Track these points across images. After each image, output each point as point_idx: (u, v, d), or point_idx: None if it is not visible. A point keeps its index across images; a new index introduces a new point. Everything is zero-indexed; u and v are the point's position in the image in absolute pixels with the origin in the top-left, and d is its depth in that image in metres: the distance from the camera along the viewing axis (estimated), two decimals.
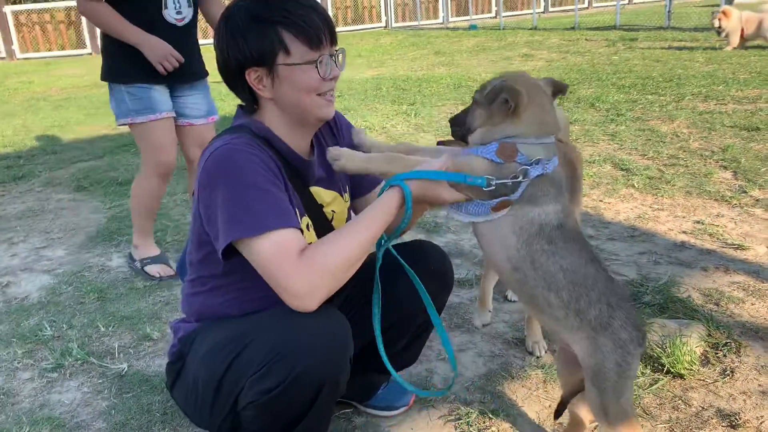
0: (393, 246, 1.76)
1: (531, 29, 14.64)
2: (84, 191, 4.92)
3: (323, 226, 1.72)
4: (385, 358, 1.67)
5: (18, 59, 17.39)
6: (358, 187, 1.90)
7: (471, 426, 1.98)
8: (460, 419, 2.01)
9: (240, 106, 1.70)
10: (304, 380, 1.45)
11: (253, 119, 1.65)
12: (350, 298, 1.85)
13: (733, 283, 2.74)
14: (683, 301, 2.58)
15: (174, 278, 3.14)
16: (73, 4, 16.97)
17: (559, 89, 1.63)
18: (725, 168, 4.20)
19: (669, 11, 12.56)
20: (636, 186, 4.01)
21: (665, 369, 2.15)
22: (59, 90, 11.15)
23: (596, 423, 1.79)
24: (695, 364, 2.17)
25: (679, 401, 2.03)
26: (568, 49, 10.77)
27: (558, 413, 1.81)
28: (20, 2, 19.44)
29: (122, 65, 2.95)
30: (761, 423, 1.91)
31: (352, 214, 1.91)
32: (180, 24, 2.99)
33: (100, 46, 3.08)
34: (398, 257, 1.72)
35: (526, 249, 1.49)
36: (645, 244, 3.20)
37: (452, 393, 2.15)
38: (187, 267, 1.77)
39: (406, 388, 1.75)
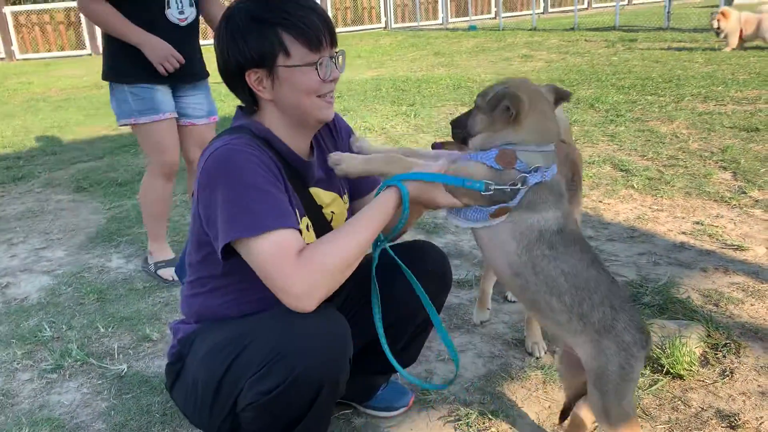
0: (392, 246, 1.76)
1: (530, 30, 14.65)
2: (83, 192, 4.92)
3: (323, 227, 1.72)
4: (389, 353, 1.67)
5: (17, 60, 17.39)
6: (357, 189, 1.90)
7: (470, 427, 1.98)
8: (459, 420, 2.01)
9: (239, 107, 1.70)
10: (303, 381, 1.45)
11: (253, 120, 1.65)
12: (349, 299, 1.85)
13: (733, 283, 2.74)
14: (683, 301, 2.58)
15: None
16: (73, 4, 17.04)
17: (561, 96, 1.62)
18: (725, 169, 4.21)
19: (668, 12, 12.57)
20: (635, 187, 4.01)
21: (665, 370, 2.15)
22: (59, 91, 11.15)
23: (597, 424, 1.79)
24: (695, 364, 2.17)
25: (679, 402, 2.03)
26: (567, 50, 10.78)
27: (563, 416, 1.81)
28: (20, 3, 19.44)
29: (125, 65, 2.95)
30: (761, 424, 1.91)
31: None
32: (182, 24, 2.99)
33: (101, 47, 3.07)
34: (394, 257, 1.72)
35: (527, 255, 1.50)
36: (644, 245, 3.20)
37: (452, 394, 2.15)
38: (187, 268, 1.77)
39: (411, 381, 1.75)
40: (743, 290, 2.68)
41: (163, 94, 3.01)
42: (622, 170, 4.33)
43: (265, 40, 1.52)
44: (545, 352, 2.34)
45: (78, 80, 12.28)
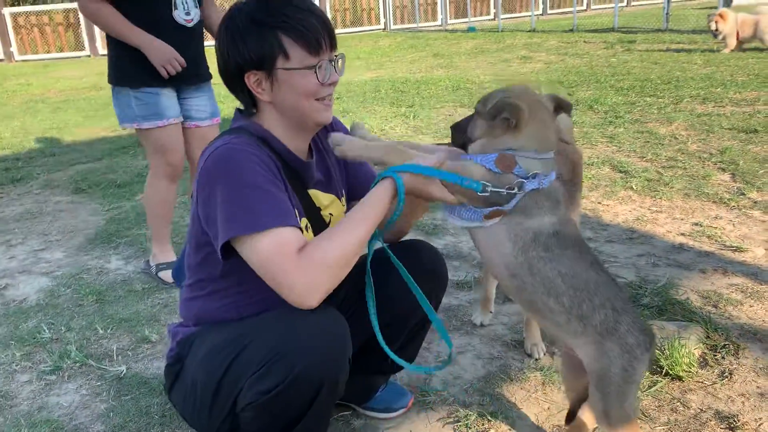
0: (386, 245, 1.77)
1: (529, 31, 14.66)
2: (82, 193, 4.92)
3: (321, 228, 1.72)
4: (383, 343, 1.66)
5: (16, 61, 17.39)
6: (356, 191, 1.90)
7: (470, 428, 1.98)
8: (458, 421, 2.01)
9: (238, 109, 1.70)
10: (303, 380, 1.45)
11: (252, 121, 1.65)
12: (347, 298, 1.85)
13: (732, 285, 2.74)
14: (682, 303, 2.58)
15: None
16: (72, 6, 16.99)
17: (561, 106, 1.63)
18: (723, 170, 4.21)
19: (667, 13, 12.59)
20: (634, 188, 4.01)
21: (664, 371, 2.15)
22: (58, 92, 11.15)
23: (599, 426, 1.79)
24: (694, 366, 2.17)
25: (678, 403, 2.03)
26: (566, 51, 10.79)
27: (569, 419, 1.81)
28: (19, 4, 19.44)
29: (129, 68, 2.93)
30: (760, 425, 1.91)
31: None
32: (189, 25, 2.99)
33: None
34: (387, 250, 1.72)
35: (523, 256, 1.50)
36: (643, 246, 3.20)
37: (451, 395, 2.15)
38: (185, 271, 1.77)
39: (406, 368, 1.73)
40: (742, 291, 2.68)
41: (167, 98, 3.00)
42: (621, 171, 4.34)
43: (264, 43, 1.53)
44: (544, 354, 2.34)
45: (77, 81, 12.28)
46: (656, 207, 3.71)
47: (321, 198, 1.75)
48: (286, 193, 1.55)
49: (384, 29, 19.47)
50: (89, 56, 17.77)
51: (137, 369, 2.44)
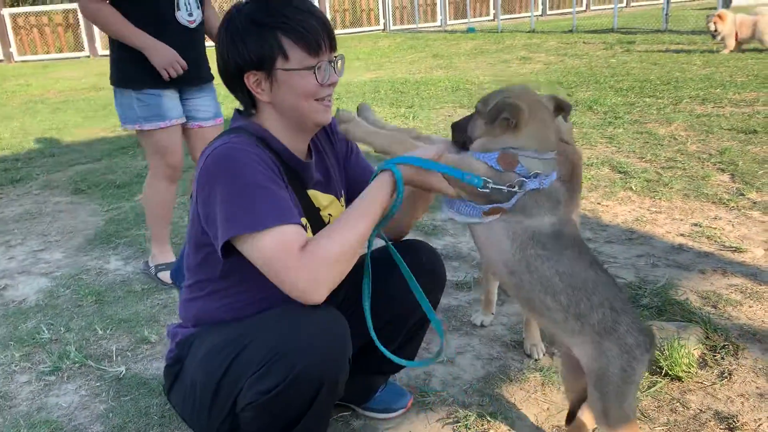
0: (384, 245, 1.76)
1: (529, 32, 14.67)
2: (82, 194, 4.92)
3: (320, 229, 1.72)
4: (373, 334, 1.66)
5: (16, 62, 17.39)
6: (355, 192, 1.90)
7: (469, 429, 1.98)
8: (458, 422, 2.01)
9: (237, 110, 1.71)
10: (303, 379, 1.45)
11: (251, 122, 1.65)
12: (348, 298, 1.84)
13: (731, 285, 2.75)
14: (681, 303, 2.58)
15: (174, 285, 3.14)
16: (71, 6, 16.98)
17: (561, 107, 1.63)
18: (723, 171, 4.21)
19: (666, 14, 12.59)
20: (634, 189, 4.01)
21: (663, 371, 2.15)
22: (57, 93, 11.15)
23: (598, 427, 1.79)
24: (693, 366, 2.17)
25: (677, 404, 2.03)
26: (566, 52, 10.79)
27: (570, 419, 1.81)
28: (18, 5, 19.44)
29: (131, 70, 2.92)
30: (759, 425, 1.91)
31: None
32: (191, 26, 2.99)
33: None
34: (390, 245, 1.72)
35: (521, 254, 1.50)
36: (643, 247, 3.20)
37: (450, 396, 2.15)
38: (185, 272, 1.77)
39: (398, 362, 1.72)
40: (741, 292, 2.68)
41: (170, 99, 3.00)
42: (620, 172, 4.34)
43: (264, 43, 1.53)
44: (544, 354, 2.34)
45: (76, 82, 12.29)
46: (655, 207, 3.71)
47: (320, 198, 1.75)
48: (286, 191, 1.55)
49: (383, 30, 19.48)
50: (89, 57, 17.77)
51: (136, 370, 2.44)
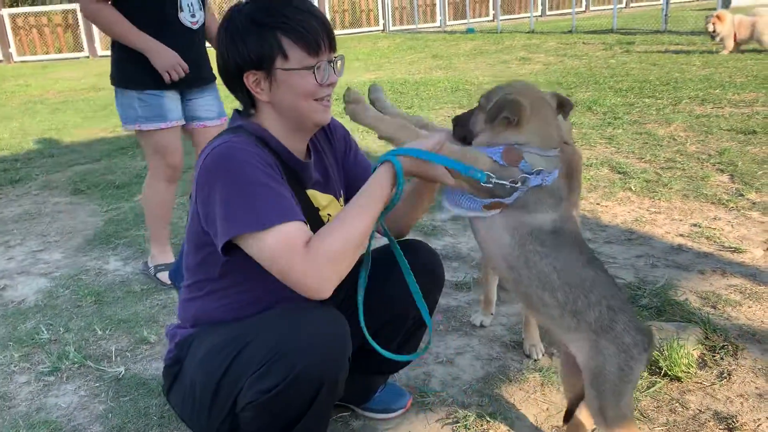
0: (383, 245, 1.76)
1: (528, 33, 14.68)
2: (81, 194, 4.92)
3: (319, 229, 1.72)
4: (363, 326, 1.67)
5: (15, 62, 17.39)
6: (354, 189, 1.89)
7: (469, 429, 1.98)
8: (457, 422, 2.01)
9: (236, 110, 1.71)
10: (303, 379, 1.45)
11: (250, 122, 1.65)
12: (348, 298, 1.84)
13: (730, 286, 2.75)
14: (680, 304, 2.59)
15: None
16: (71, 7, 16.97)
17: (563, 104, 1.63)
18: (722, 171, 4.21)
19: (666, 15, 12.60)
20: (633, 189, 4.02)
21: (662, 372, 2.15)
22: (56, 93, 11.15)
23: (597, 427, 1.79)
24: (692, 367, 2.17)
25: (677, 404, 2.03)
26: (565, 53, 10.80)
27: (567, 418, 1.81)
28: (18, 5, 19.44)
29: (133, 71, 2.92)
30: (758, 426, 1.91)
31: None
32: (195, 27, 3.00)
33: (110, 50, 3.05)
34: (391, 239, 1.72)
35: (520, 249, 1.51)
36: (642, 247, 3.20)
37: (449, 396, 2.15)
38: (184, 272, 1.77)
39: (385, 355, 1.71)
40: (741, 292, 2.68)
41: (171, 100, 3.00)
42: (619, 173, 4.34)
43: (263, 43, 1.53)
44: (543, 355, 2.34)
45: (76, 83, 12.28)
46: (655, 208, 3.71)
47: (319, 198, 1.75)
48: (287, 189, 1.55)
49: (383, 30, 19.48)
50: (88, 57, 17.78)
51: (136, 370, 2.44)
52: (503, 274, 1.60)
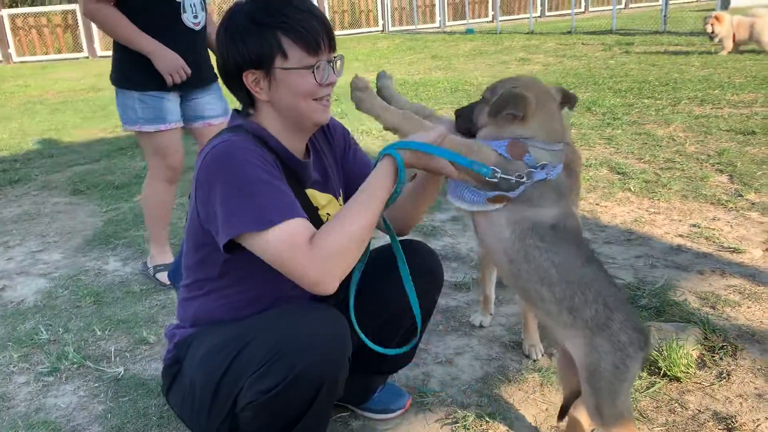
0: (382, 245, 1.76)
1: (528, 33, 14.69)
2: (80, 195, 4.91)
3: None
4: (353, 316, 1.67)
5: (14, 63, 17.39)
6: (355, 187, 1.89)
7: (468, 429, 1.98)
8: (457, 422, 2.01)
9: (235, 110, 1.71)
10: (304, 379, 1.45)
11: (249, 121, 1.65)
12: (348, 297, 1.85)
13: (729, 286, 2.75)
14: (679, 304, 2.59)
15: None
16: (70, 7, 16.98)
17: (568, 98, 1.62)
18: (721, 172, 4.22)
19: (665, 16, 12.61)
20: (632, 189, 4.02)
21: (662, 372, 2.15)
22: (56, 93, 11.15)
23: (595, 426, 1.79)
24: (692, 367, 2.17)
25: (676, 404, 2.03)
26: (564, 53, 10.80)
27: (561, 415, 1.81)
28: (17, 5, 19.43)
29: (135, 72, 2.92)
30: (757, 426, 1.91)
31: None
32: (197, 28, 3.00)
33: (111, 50, 3.04)
34: (392, 235, 1.73)
35: (520, 243, 1.51)
36: (641, 248, 3.20)
37: (449, 396, 2.15)
38: (183, 271, 1.77)
39: (372, 347, 1.72)
40: (740, 293, 2.68)
41: (171, 102, 3.00)
42: (619, 173, 4.34)
43: (263, 42, 1.53)
44: (542, 355, 2.34)
45: (75, 83, 12.28)
46: (654, 208, 3.71)
47: (318, 198, 1.75)
48: (287, 186, 1.55)
49: (382, 31, 19.48)
50: (87, 58, 17.77)
51: (135, 370, 2.44)
52: (503, 267, 1.60)
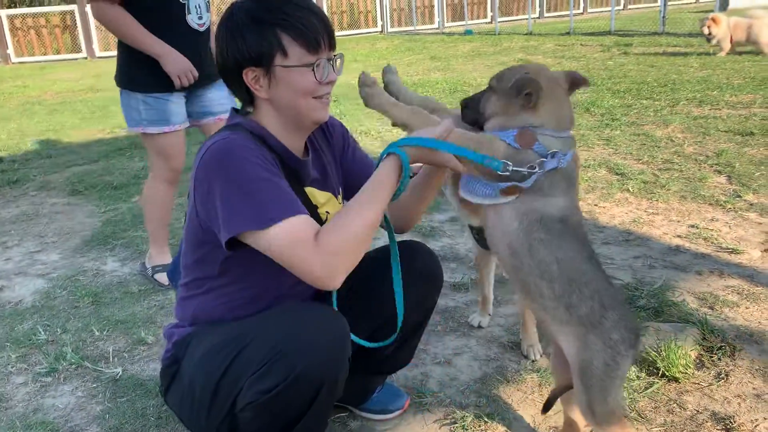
0: (381, 246, 1.76)
1: (526, 34, 14.70)
2: (79, 195, 4.91)
3: None
4: (334, 302, 1.68)
5: (13, 63, 17.38)
6: (355, 185, 1.90)
7: (466, 430, 1.98)
8: (455, 423, 2.01)
9: (234, 108, 1.71)
10: (304, 379, 1.45)
11: (248, 119, 1.65)
12: (348, 297, 1.85)
13: (728, 286, 2.75)
14: (678, 304, 2.59)
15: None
16: (69, 8, 16.99)
17: (576, 82, 1.59)
18: (720, 172, 4.22)
19: (663, 17, 12.62)
20: (631, 190, 4.02)
21: (660, 372, 2.15)
22: (54, 94, 11.14)
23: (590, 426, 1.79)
24: (690, 367, 2.17)
25: (674, 405, 2.03)
26: (563, 54, 10.81)
27: (546, 407, 1.81)
28: (16, 6, 19.42)
29: (140, 74, 2.91)
30: (756, 426, 1.91)
31: None
32: (201, 30, 3.00)
33: (116, 50, 3.03)
34: (390, 229, 1.73)
35: (525, 236, 1.50)
36: (640, 248, 3.21)
37: (447, 397, 2.15)
38: (182, 270, 1.77)
39: (357, 342, 1.72)
40: (738, 293, 2.69)
41: (175, 104, 3.00)
42: (617, 174, 4.35)
43: (263, 40, 1.53)
44: (541, 355, 2.34)
45: (74, 84, 12.27)
46: (653, 209, 3.72)
47: (317, 196, 1.75)
48: (287, 183, 1.55)
49: (381, 32, 19.49)
50: (86, 58, 17.77)
51: (133, 371, 2.44)
52: (504, 259, 1.59)
